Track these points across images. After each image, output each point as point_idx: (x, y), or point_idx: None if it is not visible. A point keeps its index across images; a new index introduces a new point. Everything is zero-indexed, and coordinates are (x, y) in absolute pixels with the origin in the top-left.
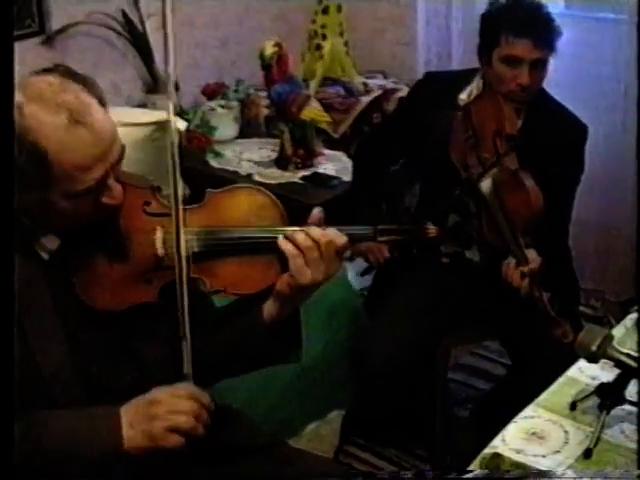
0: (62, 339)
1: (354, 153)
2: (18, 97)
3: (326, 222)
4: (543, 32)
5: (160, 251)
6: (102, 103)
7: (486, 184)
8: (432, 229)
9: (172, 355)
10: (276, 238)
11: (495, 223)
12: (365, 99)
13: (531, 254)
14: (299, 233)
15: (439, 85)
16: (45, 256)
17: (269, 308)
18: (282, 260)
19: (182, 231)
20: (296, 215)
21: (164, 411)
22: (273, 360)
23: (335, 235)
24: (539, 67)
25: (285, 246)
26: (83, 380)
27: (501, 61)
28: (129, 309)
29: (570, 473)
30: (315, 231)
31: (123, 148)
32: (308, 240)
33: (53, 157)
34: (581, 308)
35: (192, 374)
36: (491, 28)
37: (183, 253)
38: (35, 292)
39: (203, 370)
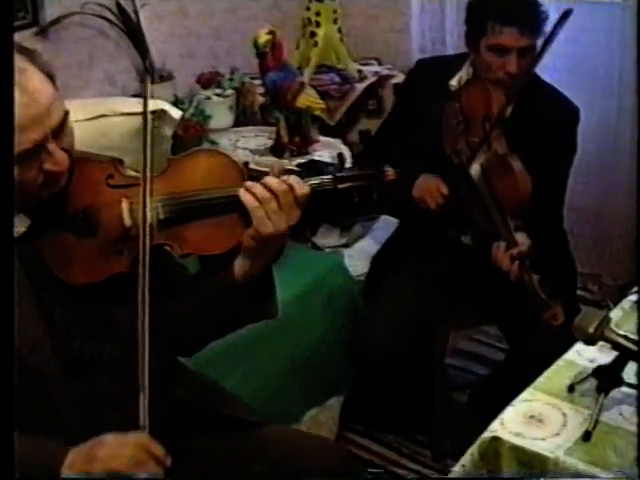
0: (37, 317)
1: (362, 152)
2: None
3: (322, 209)
4: (530, 19)
5: (127, 221)
6: (45, 72)
7: (475, 169)
8: (390, 172)
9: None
10: (233, 196)
11: (485, 207)
12: (360, 86)
13: (520, 237)
14: (257, 185)
15: (431, 72)
16: (16, 235)
17: (239, 265)
18: (246, 217)
19: (148, 200)
20: None
21: (105, 454)
22: (250, 317)
23: (295, 183)
24: (527, 54)
25: (244, 197)
26: (63, 355)
27: (488, 49)
28: (103, 281)
29: (564, 459)
30: (272, 180)
31: (66, 114)
32: (265, 191)
33: None
34: (579, 292)
35: (148, 426)
36: (477, 16)
37: (149, 221)
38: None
39: (183, 338)
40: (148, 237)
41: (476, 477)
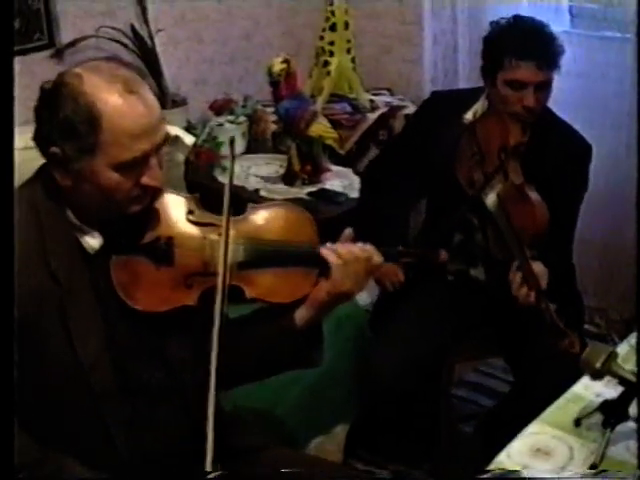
0: (101, 333)
1: (363, 172)
2: (77, 70)
3: (334, 238)
4: (546, 54)
5: (208, 258)
6: (153, 90)
7: (491, 198)
8: (444, 254)
9: (202, 360)
10: (313, 252)
11: (501, 237)
12: (371, 116)
13: (538, 266)
14: (344, 246)
15: (445, 104)
16: (90, 251)
17: (302, 314)
18: (317, 273)
19: (230, 240)
20: None
21: None
22: (297, 364)
23: (374, 252)
24: (544, 88)
25: (329, 256)
26: (117, 375)
27: (505, 84)
28: (166, 311)
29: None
30: (356, 246)
31: (167, 136)
32: (351, 253)
33: (106, 121)
34: (585, 326)
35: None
36: (494, 51)
37: (229, 262)
38: (78, 283)
39: (226, 374)
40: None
41: (476, 478)
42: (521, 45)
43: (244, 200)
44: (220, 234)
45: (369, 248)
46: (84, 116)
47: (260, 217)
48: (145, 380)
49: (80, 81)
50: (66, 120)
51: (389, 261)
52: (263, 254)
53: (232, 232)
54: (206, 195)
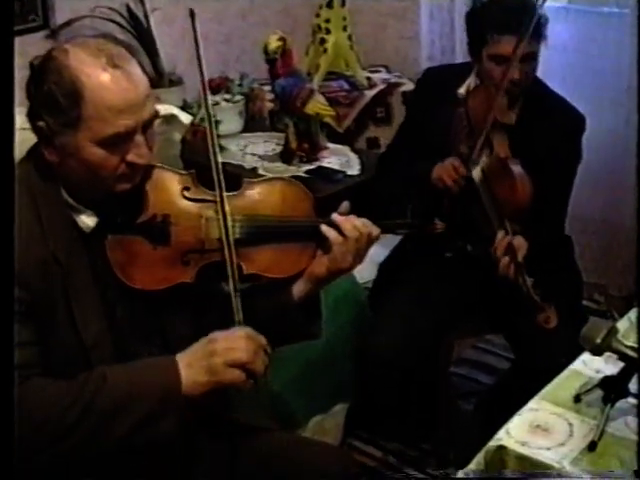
0: (101, 313)
1: (377, 164)
2: (65, 45)
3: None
4: (528, 26)
5: (204, 235)
6: (143, 68)
7: (477, 172)
8: (440, 224)
9: (201, 336)
10: (311, 226)
11: (485, 211)
12: (369, 93)
13: (517, 239)
14: (345, 221)
15: (439, 79)
16: (86, 230)
17: (300, 288)
18: (314, 247)
19: (228, 217)
20: None
21: (222, 348)
22: (296, 337)
23: (372, 227)
24: (529, 60)
25: (329, 233)
26: (118, 354)
27: (489, 59)
28: (164, 289)
29: (570, 469)
30: (358, 221)
31: (157, 113)
32: (354, 230)
33: (89, 94)
34: (585, 302)
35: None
36: (476, 27)
37: (231, 238)
38: (76, 262)
39: None
40: (231, 252)
41: (477, 477)
42: (501, 19)
43: (240, 175)
44: (217, 210)
45: (368, 222)
46: (67, 89)
47: (256, 192)
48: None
49: (66, 55)
50: (49, 93)
51: (386, 232)
52: (260, 230)
53: (228, 208)
54: (202, 171)
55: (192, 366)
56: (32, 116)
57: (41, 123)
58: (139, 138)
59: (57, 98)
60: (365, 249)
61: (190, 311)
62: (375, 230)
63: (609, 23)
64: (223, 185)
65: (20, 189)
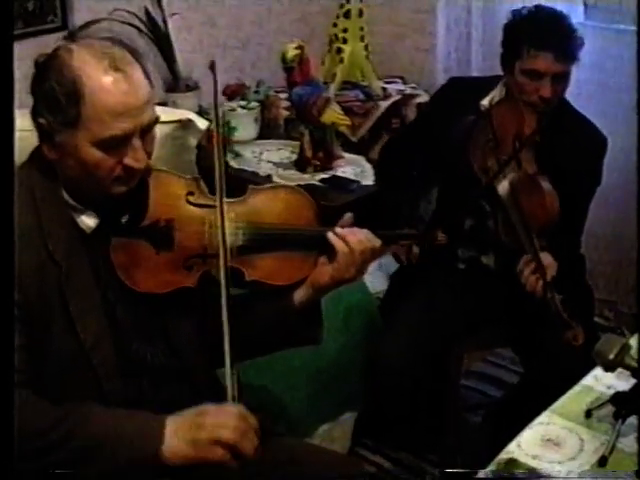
0: (101, 313)
1: (378, 157)
2: (70, 45)
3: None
4: (565, 45)
5: (207, 241)
6: (146, 74)
7: (503, 186)
8: (442, 236)
9: (201, 339)
10: (315, 235)
11: (511, 225)
12: (384, 104)
13: (546, 257)
14: (350, 234)
15: (462, 90)
16: (87, 230)
17: (301, 295)
18: (317, 255)
19: (226, 223)
20: None
21: (210, 422)
22: (297, 341)
23: (375, 239)
24: (561, 79)
25: (337, 243)
26: (121, 356)
27: (523, 73)
28: (166, 292)
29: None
30: (363, 234)
31: (157, 119)
32: (359, 242)
33: (88, 95)
34: (595, 318)
35: (238, 397)
36: (513, 39)
37: (228, 245)
38: (76, 263)
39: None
40: (227, 259)
41: (478, 478)
42: (540, 35)
43: (245, 181)
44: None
45: (371, 235)
46: (67, 88)
47: (260, 199)
48: (148, 360)
49: (70, 55)
50: (50, 91)
51: (388, 244)
52: (264, 238)
53: (231, 215)
54: (208, 177)
55: (177, 435)
56: (34, 113)
57: (42, 120)
58: (137, 142)
59: (57, 96)
60: (369, 261)
61: (192, 314)
62: (377, 242)
63: (625, 40)
64: (224, 192)
65: (21, 191)
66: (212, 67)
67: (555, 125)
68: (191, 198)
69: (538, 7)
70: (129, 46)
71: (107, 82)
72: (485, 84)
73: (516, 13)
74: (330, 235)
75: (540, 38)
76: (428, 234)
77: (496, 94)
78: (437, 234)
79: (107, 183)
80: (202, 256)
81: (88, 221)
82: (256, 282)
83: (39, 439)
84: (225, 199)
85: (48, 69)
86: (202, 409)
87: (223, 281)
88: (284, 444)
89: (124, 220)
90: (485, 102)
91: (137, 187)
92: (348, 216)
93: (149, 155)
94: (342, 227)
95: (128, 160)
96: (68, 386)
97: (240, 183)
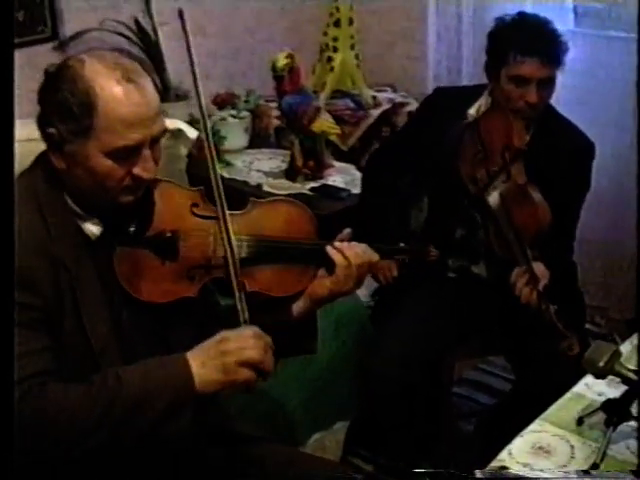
0: (109, 318)
1: (364, 166)
2: (81, 56)
3: (335, 234)
4: (550, 50)
5: (211, 252)
6: (156, 86)
7: (494, 197)
8: (433, 252)
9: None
10: (315, 249)
11: (503, 236)
12: (374, 112)
13: (539, 267)
14: (349, 248)
15: (448, 100)
16: (92, 237)
17: (299, 306)
18: (316, 268)
19: (232, 235)
20: None
21: (234, 347)
22: (293, 351)
23: (372, 254)
24: (547, 84)
25: (336, 256)
26: (127, 361)
27: (509, 79)
28: (168, 301)
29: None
30: (361, 248)
31: (165, 130)
32: (357, 256)
33: (101, 106)
34: (586, 325)
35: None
36: (498, 47)
37: (237, 256)
38: (84, 268)
39: None
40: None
41: (476, 477)
42: (525, 41)
43: (246, 194)
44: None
45: (368, 249)
46: (80, 99)
47: (261, 212)
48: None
49: (82, 65)
50: (63, 101)
51: (383, 258)
52: (265, 250)
53: (234, 227)
54: (210, 188)
55: (205, 365)
56: (43, 122)
57: (52, 130)
58: (146, 152)
59: (70, 106)
60: (366, 274)
61: (192, 323)
62: (375, 256)
63: (615, 47)
64: (225, 204)
65: (27, 196)
66: (181, 15)
67: (541, 132)
68: (195, 209)
69: (522, 13)
70: (138, 58)
71: (120, 93)
72: (470, 93)
73: (500, 20)
74: (329, 248)
75: (525, 44)
76: (421, 250)
77: (482, 103)
78: (430, 250)
79: (115, 193)
80: (205, 267)
81: (92, 228)
82: (256, 293)
83: (86, 419)
84: (228, 211)
85: (59, 79)
86: (222, 336)
87: (233, 272)
88: (275, 451)
89: (131, 230)
90: (472, 111)
91: (143, 197)
92: (347, 231)
93: (156, 164)
94: (341, 241)
95: (137, 170)
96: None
97: (240, 195)
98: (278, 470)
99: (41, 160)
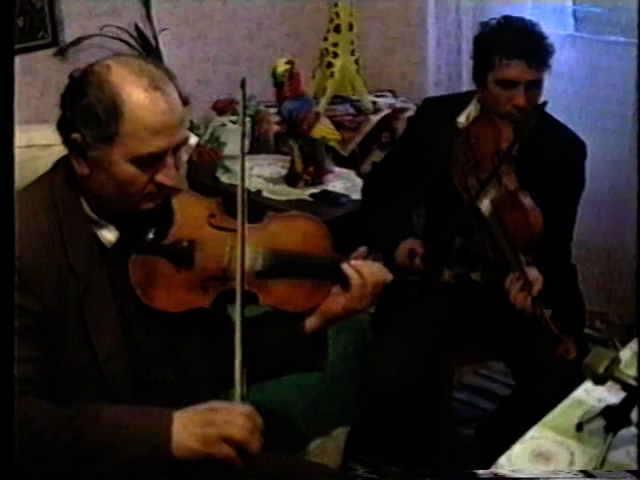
0: (117, 327)
1: (366, 179)
2: (107, 61)
3: (335, 239)
4: (536, 52)
5: (226, 264)
6: (179, 91)
7: (485, 204)
8: (448, 273)
9: (213, 361)
10: (331, 265)
11: (496, 243)
12: (374, 118)
13: (532, 272)
14: (364, 266)
15: (438, 109)
16: (107, 245)
17: (312, 323)
18: (330, 284)
19: (246, 247)
20: None
21: (220, 420)
22: (301, 367)
23: (387, 273)
24: (534, 87)
25: (351, 274)
26: (134, 371)
27: (496, 83)
28: (181, 311)
29: None
30: (376, 267)
31: (187, 138)
32: (372, 275)
33: (128, 112)
34: (586, 330)
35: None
36: (484, 51)
37: (247, 269)
38: (95, 275)
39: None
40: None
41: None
42: (511, 44)
43: (263, 207)
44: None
45: (383, 268)
46: (107, 104)
47: (278, 226)
48: (159, 378)
49: (108, 71)
50: (89, 106)
51: (397, 278)
52: (281, 264)
53: (251, 239)
54: (228, 199)
55: (187, 429)
56: (66, 127)
57: (76, 135)
58: (169, 160)
59: (97, 112)
60: (379, 293)
61: (205, 335)
62: (389, 276)
63: (615, 52)
64: (246, 220)
65: (45, 200)
66: (243, 85)
67: (532, 136)
68: (212, 220)
69: (506, 17)
70: (162, 65)
71: (147, 100)
72: (459, 100)
73: (485, 24)
74: (345, 266)
75: (511, 47)
76: (436, 272)
77: (472, 110)
78: (445, 273)
79: (137, 199)
80: (220, 278)
81: (109, 235)
82: (270, 307)
83: (50, 442)
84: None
85: (85, 84)
86: (212, 406)
87: (239, 305)
88: (274, 459)
89: (149, 237)
90: (462, 119)
91: (161, 205)
92: (363, 249)
93: (178, 172)
94: (356, 259)
95: (160, 177)
96: (79, 399)
97: (257, 207)
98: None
99: (60, 165)
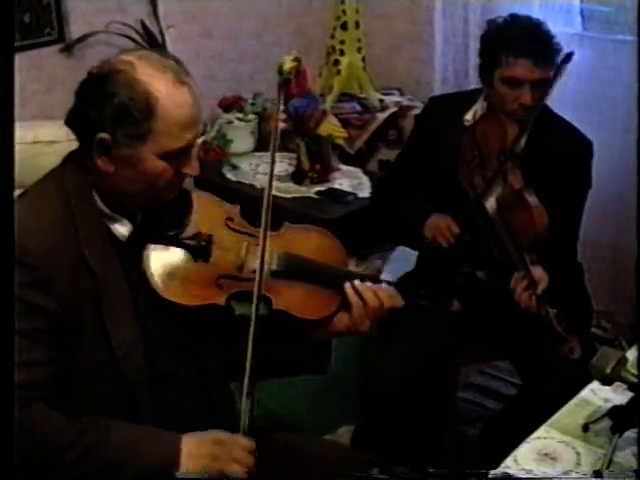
0: (134, 322)
1: (373, 190)
2: (126, 57)
3: (341, 237)
4: (543, 51)
5: (241, 263)
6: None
7: (491, 203)
8: (457, 305)
9: (223, 357)
10: (343, 277)
11: (501, 241)
12: (381, 115)
13: (537, 271)
14: (368, 290)
15: (444, 107)
16: (121, 239)
17: (317, 334)
18: (341, 298)
19: (267, 250)
20: None
21: (224, 455)
22: (307, 370)
23: (395, 297)
24: (540, 86)
25: (352, 297)
26: (150, 366)
27: (502, 82)
28: (196, 307)
29: None
30: (382, 292)
31: (205, 126)
32: (375, 299)
33: (161, 109)
34: (592, 329)
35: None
36: (491, 49)
37: (265, 273)
38: (111, 270)
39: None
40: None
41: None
42: (518, 42)
43: (280, 217)
44: (257, 244)
45: (391, 293)
46: (141, 103)
47: (294, 236)
48: (172, 372)
49: (133, 68)
50: (122, 106)
51: (407, 301)
52: (295, 267)
53: (268, 243)
54: (247, 206)
55: (193, 459)
56: (88, 127)
57: (104, 135)
58: (194, 151)
59: (130, 111)
60: (382, 315)
61: (219, 333)
62: (398, 301)
63: (623, 51)
64: (269, 226)
65: (56, 195)
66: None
67: (538, 134)
68: (230, 223)
69: (514, 15)
70: (176, 59)
71: (176, 95)
72: (466, 98)
73: (492, 23)
74: (347, 287)
75: (518, 45)
76: (444, 300)
77: (478, 108)
78: (454, 303)
79: (162, 191)
80: (235, 278)
81: (122, 229)
82: (281, 311)
83: (57, 458)
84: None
85: (111, 83)
86: (218, 438)
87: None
88: (278, 436)
89: (167, 229)
90: (468, 117)
91: (182, 199)
92: (377, 265)
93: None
94: (367, 276)
95: (187, 169)
96: (95, 397)
97: (273, 216)
98: (281, 453)
99: (71, 159)
